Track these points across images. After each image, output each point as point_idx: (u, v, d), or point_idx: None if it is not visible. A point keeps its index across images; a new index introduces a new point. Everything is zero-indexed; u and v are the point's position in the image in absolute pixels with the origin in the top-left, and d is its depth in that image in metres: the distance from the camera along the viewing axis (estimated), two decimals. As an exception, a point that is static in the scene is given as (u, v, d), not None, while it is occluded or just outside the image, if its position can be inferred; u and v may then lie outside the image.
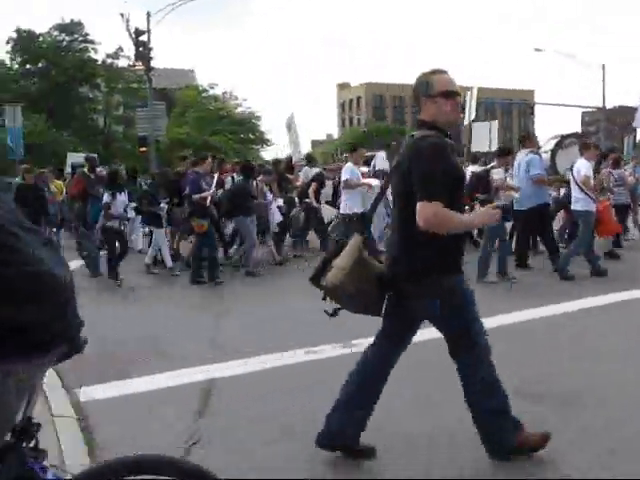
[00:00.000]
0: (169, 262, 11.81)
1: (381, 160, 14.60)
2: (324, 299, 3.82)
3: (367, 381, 4.06)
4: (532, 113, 51.10)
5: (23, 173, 14.05)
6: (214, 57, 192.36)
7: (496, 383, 3.90)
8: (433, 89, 3.81)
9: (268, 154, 50.44)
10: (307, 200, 13.86)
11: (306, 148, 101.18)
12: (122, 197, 11.47)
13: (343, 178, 12.01)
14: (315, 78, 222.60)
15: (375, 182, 11.89)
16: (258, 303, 9.29)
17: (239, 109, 50.20)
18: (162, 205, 12.25)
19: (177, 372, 5.98)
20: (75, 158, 24.25)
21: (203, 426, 4.66)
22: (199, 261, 11.08)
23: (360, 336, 6.83)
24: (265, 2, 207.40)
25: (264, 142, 52.20)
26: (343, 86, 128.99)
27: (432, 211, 3.58)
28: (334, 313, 3.85)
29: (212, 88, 50.57)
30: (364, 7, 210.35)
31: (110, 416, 4.96)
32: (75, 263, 11.65)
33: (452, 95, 3.81)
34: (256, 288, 10.59)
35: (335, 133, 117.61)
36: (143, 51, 28.31)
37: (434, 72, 3.88)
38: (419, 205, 3.61)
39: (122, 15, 27.39)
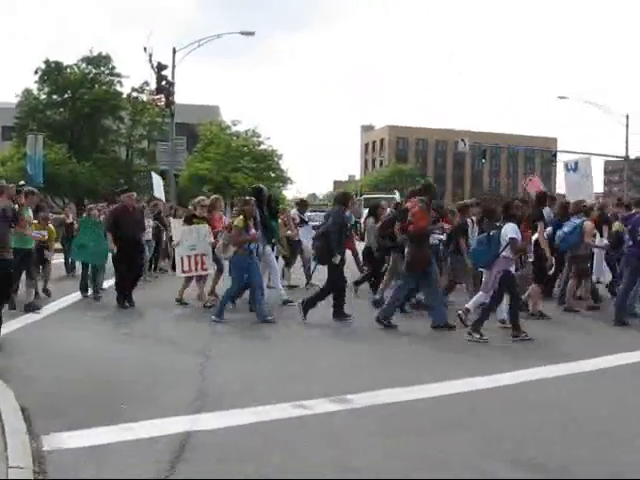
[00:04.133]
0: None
1: None
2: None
3: None
4: (554, 161, 50.54)
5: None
6: (239, 95, 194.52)
7: None
8: None
9: (289, 192, 50.56)
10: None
11: (328, 188, 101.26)
12: None
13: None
14: (339, 120, 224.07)
15: None
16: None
17: (261, 146, 50.24)
18: None
19: (156, 421, 5.60)
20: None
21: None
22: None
23: (354, 391, 6.55)
24: (291, 45, 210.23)
25: (285, 180, 52.20)
26: (367, 128, 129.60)
27: None
28: None
29: (235, 125, 50.78)
30: (390, 51, 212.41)
31: (72, 470, 4.57)
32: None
33: None
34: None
35: (357, 174, 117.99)
36: (164, 85, 28.46)
37: None
38: None
39: (145, 49, 27.53)
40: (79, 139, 45.42)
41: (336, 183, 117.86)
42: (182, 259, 12.22)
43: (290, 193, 54.28)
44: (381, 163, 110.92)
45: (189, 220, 12.57)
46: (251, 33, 34.60)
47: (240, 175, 44.65)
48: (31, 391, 6.30)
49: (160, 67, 28.57)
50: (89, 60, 46.28)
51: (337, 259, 10.44)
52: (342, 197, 11.62)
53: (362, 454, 4.94)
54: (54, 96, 46.13)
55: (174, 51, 32.46)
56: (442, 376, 7.17)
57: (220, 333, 9.73)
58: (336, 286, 10.71)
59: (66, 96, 45.98)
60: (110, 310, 11.47)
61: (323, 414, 5.88)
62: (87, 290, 12.78)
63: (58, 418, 5.54)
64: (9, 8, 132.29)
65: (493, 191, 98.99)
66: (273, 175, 50.59)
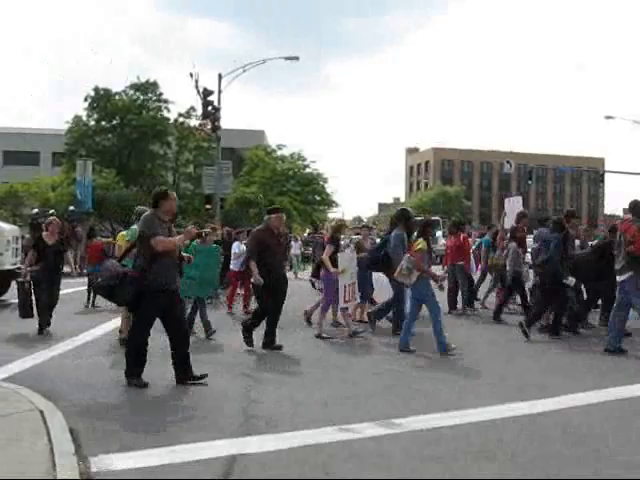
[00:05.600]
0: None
1: None
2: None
3: None
4: (602, 181, 49.75)
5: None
6: (286, 121, 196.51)
7: None
8: None
9: (334, 215, 50.49)
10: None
11: (374, 211, 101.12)
12: None
13: None
14: (385, 143, 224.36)
15: None
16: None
17: (306, 170, 50.45)
18: None
19: (206, 444, 5.56)
20: None
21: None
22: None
23: (404, 415, 6.42)
24: (338, 69, 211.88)
25: (330, 204, 52.23)
26: (412, 150, 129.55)
27: None
28: None
29: (280, 149, 51.13)
30: (436, 74, 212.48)
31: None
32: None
33: None
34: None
35: (402, 197, 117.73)
36: (210, 110, 28.81)
37: None
38: None
39: (191, 75, 27.93)
40: (127, 164, 46.14)
41: (381, 205, 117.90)
42: (345, 288, 11.26)
43: (335, 216, 54.27)
44: (426, 185, 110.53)
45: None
46: (295, 58, 34.93)
47: (286, 199, 44.84)
48: (78, 414, 6.33)
49: (206, 93, 28.95)
50: (137, 87, 47.13)
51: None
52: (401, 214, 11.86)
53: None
54: (103, 122, 47.00)
55: (220, 77, 32.93)
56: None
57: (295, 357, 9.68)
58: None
59: (114, 122, 46.82)
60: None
61: (370, 438, 5.76)
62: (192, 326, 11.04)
63: (106, 440, 5.54)
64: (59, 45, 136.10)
65: (541, 212, 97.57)
66: (318, 198, 50.71)
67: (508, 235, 13.78)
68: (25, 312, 11.65)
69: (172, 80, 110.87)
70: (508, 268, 13.02)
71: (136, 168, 46.30)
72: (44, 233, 11.88)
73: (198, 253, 10.81)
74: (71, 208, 30.37)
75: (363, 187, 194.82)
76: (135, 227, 9.79)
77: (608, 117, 48.42)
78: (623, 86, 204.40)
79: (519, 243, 13.12)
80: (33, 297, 11.63)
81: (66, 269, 12.56)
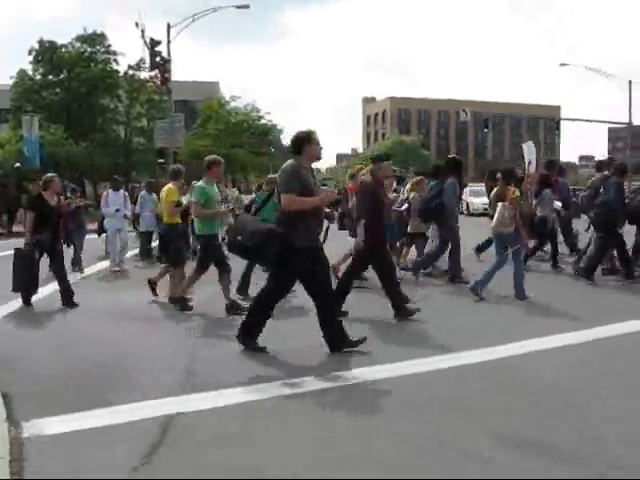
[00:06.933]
0: None
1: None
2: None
3: None
4: (557, 128, 50.09)
5: None
6: (240, 71, 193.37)
7: None
8: None
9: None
10: None
11: (332, 162, 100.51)
12: None
13: None
14: (342, 93, 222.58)
15: None
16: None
17: (261, 121, 49.75)
18: None
19: (141, 404, 5.44)
20: None
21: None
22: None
23: (343, 368, 6.37)
24: (295, 19, 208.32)
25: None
26: (369, 100, 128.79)
27: None
28: None
29: (234, 100, 50.22)
30: (390, 23, 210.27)
31: (50, 457, 4.41)
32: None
33: None
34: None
35: (360, 147, 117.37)
36: (159, 61, 28.06)
37: None
38: None
39: (137, 24, 27.12)
40: (77, 119, 44.80)
41: (339, 157, 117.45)
42: None
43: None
44: (383, 135, 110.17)
45: None
46: (246, 6, 34.17)
47: (240, 151, 44.26)
48: (13, 379, 6.12)
49: (153, 43, 28.17)
50: (84, 39, 45.56)
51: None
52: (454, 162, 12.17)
53: (349, 436, 4.77)
54: (49, 76, 45.47)
55: (168, 26, 32.03)
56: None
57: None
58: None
59: (62, 76, 45.36)
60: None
61: (312, 392, 5.71)
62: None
63: (41, 405, 5.38)
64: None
65: (497, 161, 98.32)
66: (274, 150, 50.19)
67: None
68: (28, 285, 9.95)
69: (124, 31, 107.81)
70: (541, 214, 12.85)
71: (86, 123, 44.99)
72: (43, 192, 10.24)
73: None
74: (17, 165, 29.54)
75: (320, 138, 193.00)
76: (200, 184, 9.45)
77: (563, 64, 48.63)
78: (579, 34, 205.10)
79: (553, 191, 13.25)
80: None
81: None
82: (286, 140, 50.48)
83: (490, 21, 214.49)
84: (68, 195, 15.82)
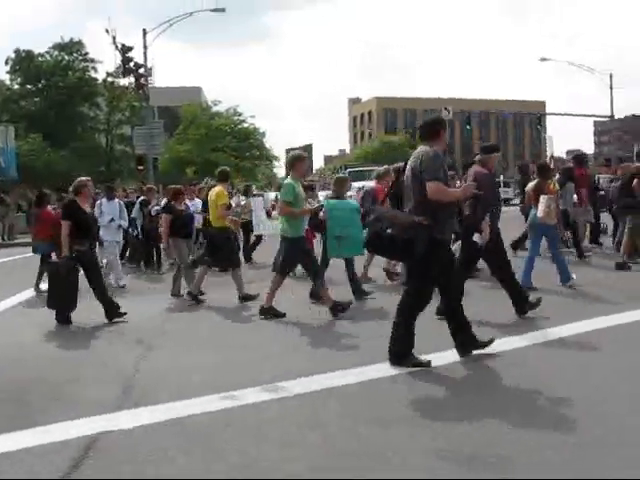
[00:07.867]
0: None
1: None
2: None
3: None
4: (540, 124, 49.99)
5: None
6: (223, 76, 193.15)
7: None
8: None
9: (280, 171, 49.98)
10: None
11: (320, 163, 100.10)
12: None
13: None
14: (329, 96, 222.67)
15: None
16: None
17: (243, 125, 49.47)
18: None
19: (73, 422, 5.12)
20: None
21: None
22: None
23: (289, 377, 6.02)
24: (278, 22, 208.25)
25: (270, 158, 51.52)
26: (354, 101, 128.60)
27: None
28: None
29: (216, 105, 49.97)
30: (375, 24, 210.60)
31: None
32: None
33: None
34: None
35: (347, 148, 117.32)
36: (132, 67, 27.75)
37: None
38: None
39: (107, 31, 26.79)
40: (55, 128, 44.47)
41: (327, 158, 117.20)
42: None
43: (281, 171, 53.53)
44: (370, 135, 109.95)
45: None
46: (222, 10, 33.91)
47: (221, 154, 43.97)
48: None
49: (125, 49, 27.83)
50: (61, 47, 45.32)
51: None
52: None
53: (289, 450, 4.47)
54: (27, 85, 45.24)
55: (144, 32, 31.71)
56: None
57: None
58: None
59: (40, 85, 45.08)
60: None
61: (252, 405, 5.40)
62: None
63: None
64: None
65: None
66: (257, 154, 49.94)
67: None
68: (69, 303, 8.99)
69: (107, 39, 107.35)
70: (562, 208, 12.56)
71: (65, 132, 44.64)
72: (77, 198, 9.17)
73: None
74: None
75: (307, 140, 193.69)
76: (289, 181, 8.66)
77: (543, 59, 48.52)
78: (559, 29, 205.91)
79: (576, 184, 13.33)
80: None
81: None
82: (268, 143, 50.52)
83: (477, 19, 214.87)
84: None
